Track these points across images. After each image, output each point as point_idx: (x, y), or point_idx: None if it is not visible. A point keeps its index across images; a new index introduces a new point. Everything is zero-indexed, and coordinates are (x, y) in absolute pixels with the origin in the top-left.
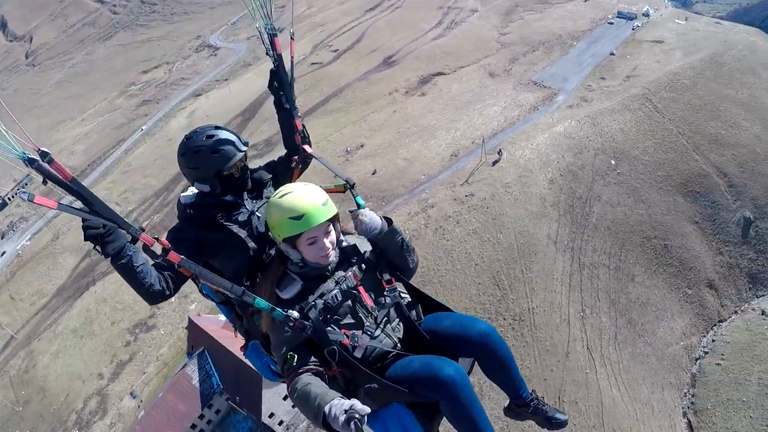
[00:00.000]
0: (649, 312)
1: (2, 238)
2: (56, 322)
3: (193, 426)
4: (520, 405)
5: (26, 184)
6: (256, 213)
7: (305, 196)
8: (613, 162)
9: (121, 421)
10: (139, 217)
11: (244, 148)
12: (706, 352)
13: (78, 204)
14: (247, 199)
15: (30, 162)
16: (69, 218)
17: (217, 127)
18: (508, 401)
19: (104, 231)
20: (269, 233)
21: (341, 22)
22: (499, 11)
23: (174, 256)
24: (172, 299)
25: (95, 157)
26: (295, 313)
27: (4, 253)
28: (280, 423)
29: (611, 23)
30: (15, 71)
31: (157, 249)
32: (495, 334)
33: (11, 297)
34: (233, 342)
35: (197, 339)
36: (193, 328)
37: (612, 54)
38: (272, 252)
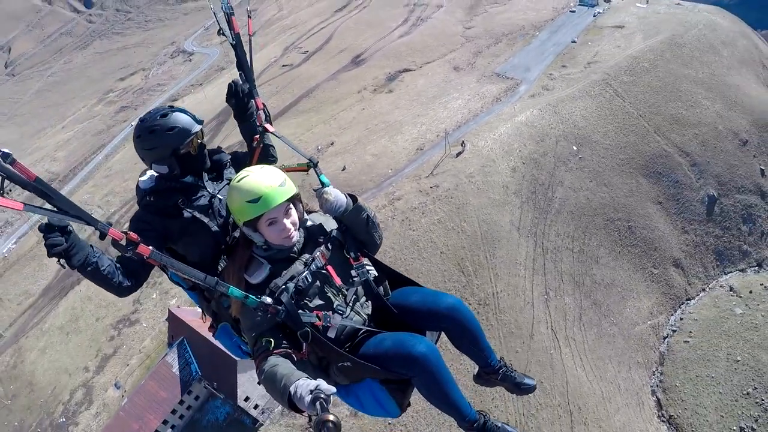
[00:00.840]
0: (614, 293)
1: None
2: (43, 320)
3: (174, 411)
4: (490, 372)
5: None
6: (218, 195)
7: (261, 178)
8: (574, 148)
9: (106, 410)
10: (120, 219)
11: (199, 126)
12: (674, 331)
13: (45, 204)
14: (208, 181)
15: None
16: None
17: (171, 107)
18: (477, 369)
19: (68, 245)
20: (231, 217)
21: (311, 23)
22: (463, 5)
23: (143, 249)
24: (154, 295)
25: (77, 163)
26: (269, 300)
27: None
28: (256, 407)
29: (573, 11)
30: None
31: (125, 244)
32: (463, 307)
33: None
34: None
35: (177, 329)
36: (173, 319)
37: (573, 42)
38: (236, 235)
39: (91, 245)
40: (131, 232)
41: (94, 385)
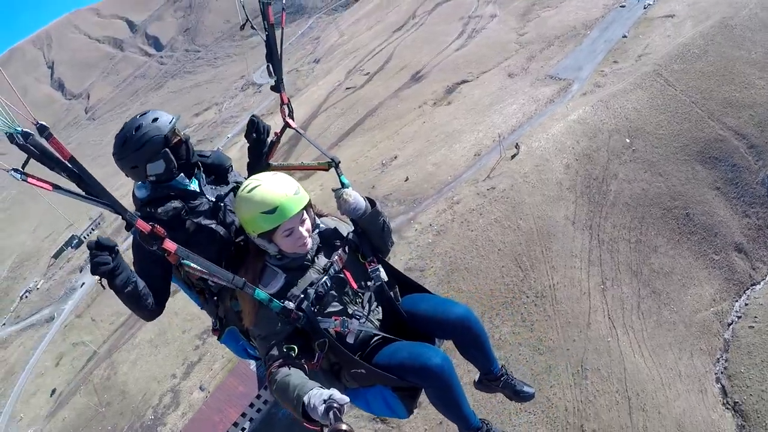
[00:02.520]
0: (674, 281)
1: (81, 272)
2: (134, 336)
3: (252, 405)
4: (491, 379)
5: (98, 224)
6: (221, 202)
7: (275, 187)
8: (627, 140)
9: (191, 410)
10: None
11: (174, 115)
12: (739, 317)
13: (75, 187)
14: (206, 186)
15: (24, 136)
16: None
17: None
18: (478, 375)
19: (114, 265)
20: (241, 226)
21: (371, 46)
22: (516, 13)
23: (169, 244)
24: None
25: None
26: (291, 305)
27: (84, 284)
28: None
29: (623, 6)
30: (77, 126)
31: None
32: (473, 317)
33: (92, 319)
34: None
35: None
36: None
37: (624, 36)
38: (240, 241)
39: (131, 269)
40: (158, 226)
41: (180, 389)
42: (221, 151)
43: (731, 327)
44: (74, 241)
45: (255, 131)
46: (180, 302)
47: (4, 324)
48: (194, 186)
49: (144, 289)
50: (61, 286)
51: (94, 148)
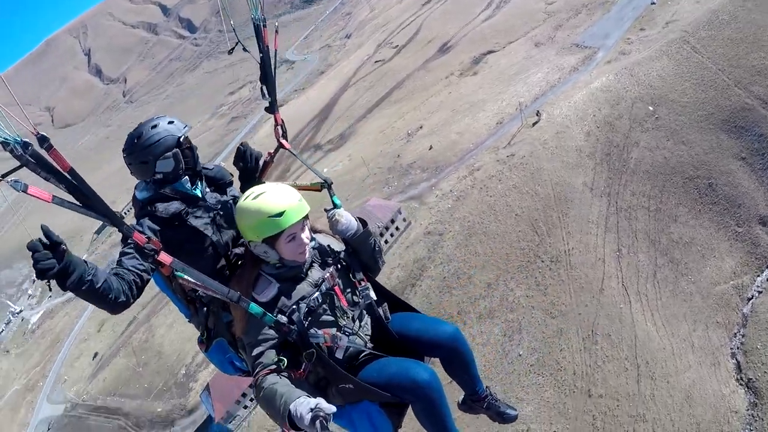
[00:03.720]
0: (693, 251)
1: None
2: (170, 302)
3: None
4: (476, 400)
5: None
6: (220, 211)
7: (282, 194)
8: (650, 108)
9: None
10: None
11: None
12: (760, 292)
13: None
14: (208, 194)
15: (24, 147)
16: None
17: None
18: (462, 395)
19: (61, 266)
20: (239, 235)
21: (400, 19)
22: None
23: (164, 257)
24: None
25: None
26: (284, 318)
27: None
28: None
29: None
30: (116, 109)
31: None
32: (461, 338)
33: None
34: None
35: None
36: None
37: (653, 3)
38: (236, 251)
39: (85, 261)
40: (155, 239)
41: None
42: (223, 167)
43: (751, 302)
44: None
45: (242, 160)
46: None
47: (50, 296)
48: (197, 192)
49: (104, 284)
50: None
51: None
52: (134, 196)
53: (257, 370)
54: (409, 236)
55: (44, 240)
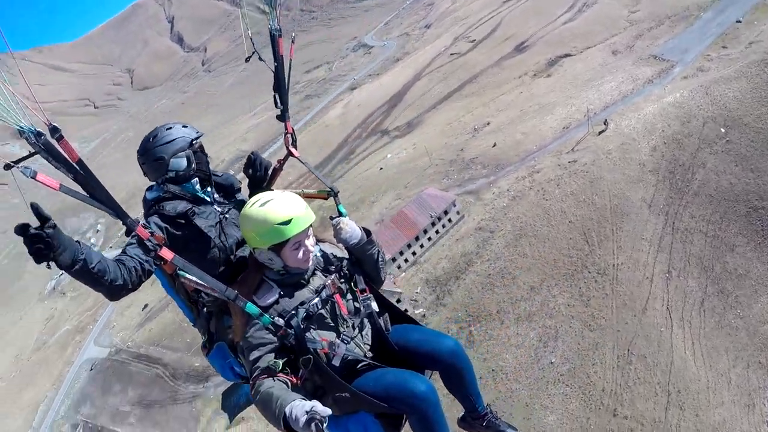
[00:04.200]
0: (746, 285)
1: None
2: None
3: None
4: (475, 417)
5: None
6: (226, 215)
7: (289, 201)
8: (722, 130)
9: None
10: (298, 187)
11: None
12: None
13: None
14: (216, 199)
15: (37, 136)
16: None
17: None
18: (463, 412)
19: (53, 244)
20: (244, 240)
21: (481, 14)
22: None
23: (166, 252)
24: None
25: (264, 143)
26: (281, 321)
27: None
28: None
29: None
30: (194, 77)
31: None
32: (462, 352)
33: None
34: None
35: None
36: None
37: (738, 21)
38: (240, 253)
39: (77, 241)
40: (158, 233)
41: None
42: (232, 175)
43: None
44: None
45: (252, 168)
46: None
47: (111, 247)
48: (206, 196)
49: (99, 264)
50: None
51: (209, 98)
52: (144, 198)
53: (254, 373)
54: (461, 229)
55: (33, 224)
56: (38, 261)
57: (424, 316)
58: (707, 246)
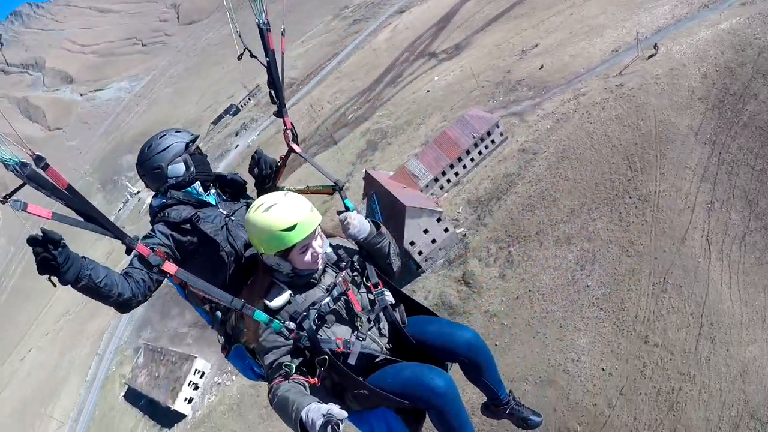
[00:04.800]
0: None
1: (237, 135)
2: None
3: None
4: (498, 405)
5: (254, 94)
6: (232, 217)
7: (293, 205)
8: None
9: None
10: (346, 111)
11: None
12: None
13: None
14: (222, 201)
15: (22, 167)
16: (292, 116)
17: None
18: (485, 399)
19: (62, 260)
20: (248, 243)
21: None
22: None
23: (169, 266)
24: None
25: (312, 69)
26: (292, 325)
27: (238, 146)
28: (420, 253)
29: None
30: (240, 8)
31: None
32: (480, 342)
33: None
34: (396, 188)
35: (370, 186)
36: (368, 178)
37: None
38: (248, 254)
39: (83, 257)
40: (159, 248)
41: None
42: (238, 174)
43: None
44: (232, 110)
45: (257, 167)
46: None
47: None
48: (210, 199)
49: (106, 279)
50: (218, 148)
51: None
52: (150, 205)
53: (270, 377)
54: (504, 151)
55: (43, 238)
56: (41, 272)
57: (465, 235)
58: (753, 180)
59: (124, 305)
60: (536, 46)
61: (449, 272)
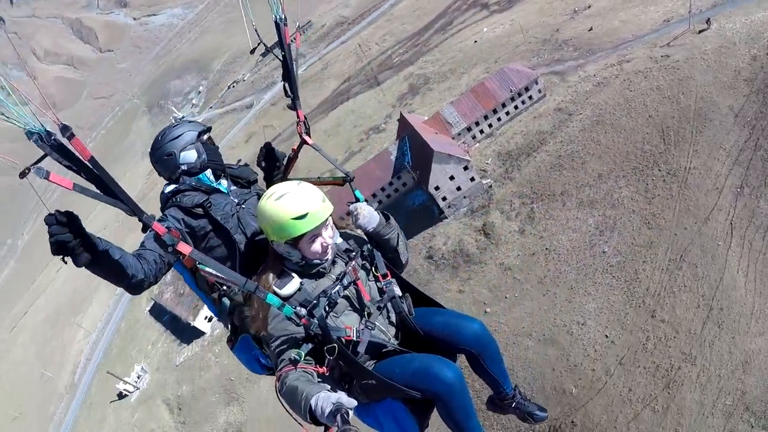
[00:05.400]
0: None
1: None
2: (313, 125)
3: (383, 189)
4: (504, 399)
5: (309, 27)
6: (243, 205)
7: (305, 194)
8: None
9: None
10: (392, 54)
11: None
12: None
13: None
14: (234, 189)
15: (47, 136)
16: (336, 54)
17: None
18: (491, 394)
19: (77, 241)
20: (258, 230)
21: None
22: None
23: (183, 247)
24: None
25: (365, 10)
26: (303, 311)
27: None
28: (444, 199)
29: None
30: None
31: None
32: (487, 335)
33: (284, 108)
34: (428, 133)
35: (404, 128)
36: (403, 120)
37: None
38: (257, 244)
39: (99, 237)
40: (174, 229)
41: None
42: (248, 166)
43: None
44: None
45: (267, 159)
46: (360, 101)
47: (211, 107)
48: (221, 187)
49: (121, 259)
50: (264, 80)
51: None
52: (162, 192)
53: (279, 365)
54: (540, 108)
55: (60, 218)
56: (57, 252)
57: (490, 187)
58: None
59: (136, 286)
60: (589, 7)
61: (470, 221)
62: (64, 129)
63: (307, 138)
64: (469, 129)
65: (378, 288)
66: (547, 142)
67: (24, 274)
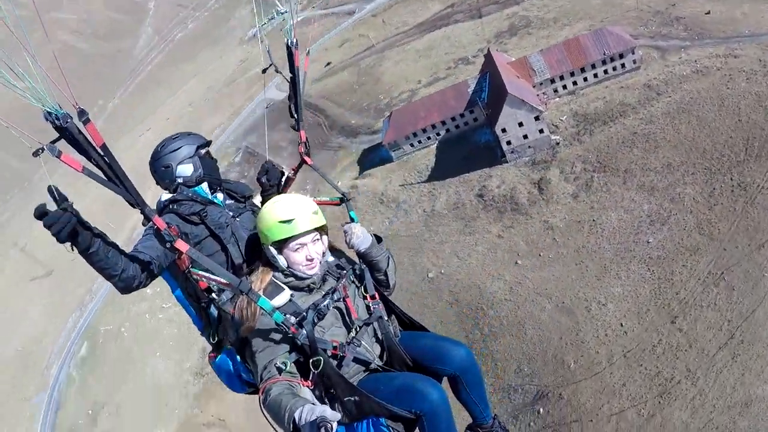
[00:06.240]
0: None
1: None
2: (407, 44)
3: (453, 119)
4: (483, 428)
5: None
6: (237, 218)
7: (296, 202)
8: None
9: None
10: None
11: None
12: None
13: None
14: (229, 203)
15: (64, 118)
16: None
17: None
18: (471, 421)
19: (76, 219)
20: (257, 238)
21: None
22: None
23: (181, 244)
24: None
25: None
26: (293, 319)
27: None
28: (508, 143)
29: None
30: None
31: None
32: (472, 359)
33: (383, 21)
34: (509, 75)
35: (488, 64)
36: (488, 57)
37: None
38: (249, 255)
39: (96, 229)
40: (174, 226)
41: (417, 93)
42: (244, 182)
43: None
44: None
45: (266, 175)
46: (458, 31)
47: (314, 6)
48: (216, 200)
49: (114, 252)
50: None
51: None
52: (158, 200)
53: (263, 378)
54: (630, 79)
55: (49, 204)
56: (59, 239)
57: (558, 143)
58: None
59: (127, 282)
60: None
61: (529, 172)
62: (81, 113)
63: (307, 159)
64: (552, 81)
65: (366, 306)
66: (627, 115)
67: (108, 134)
